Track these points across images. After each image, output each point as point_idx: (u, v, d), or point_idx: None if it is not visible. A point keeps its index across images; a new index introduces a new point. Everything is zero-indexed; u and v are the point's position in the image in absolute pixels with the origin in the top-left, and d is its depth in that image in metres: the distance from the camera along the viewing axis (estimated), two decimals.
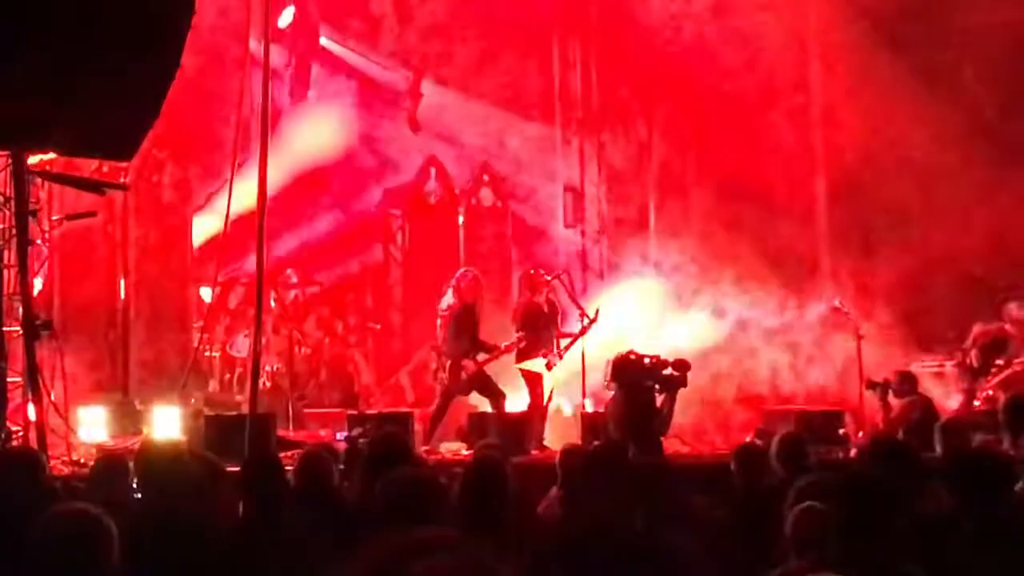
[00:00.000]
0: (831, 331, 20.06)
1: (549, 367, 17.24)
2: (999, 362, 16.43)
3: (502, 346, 17.30)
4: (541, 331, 17.42)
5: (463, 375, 16.95)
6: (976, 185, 19.63)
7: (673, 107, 22.25)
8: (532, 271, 18.07)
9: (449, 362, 17.00)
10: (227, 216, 15.29)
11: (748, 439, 15.04)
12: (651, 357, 13.96)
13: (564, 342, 17.56)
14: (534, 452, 15.77)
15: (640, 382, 13.40)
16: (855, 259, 20.58)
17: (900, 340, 19.64)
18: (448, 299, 17.18)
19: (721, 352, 20.34)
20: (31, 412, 13.28)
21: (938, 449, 10.48)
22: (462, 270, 17.84)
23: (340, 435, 15.50)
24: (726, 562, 6.82)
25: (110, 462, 9.19)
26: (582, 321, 17.70)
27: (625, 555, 7.02)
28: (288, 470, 9.03)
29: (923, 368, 19.06)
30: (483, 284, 17.71)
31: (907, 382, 16.17)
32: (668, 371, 13.64)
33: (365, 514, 7.56)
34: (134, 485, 8.80)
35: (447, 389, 17.03)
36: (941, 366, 18.78)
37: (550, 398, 17.53)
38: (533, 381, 17.23)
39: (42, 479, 7.91)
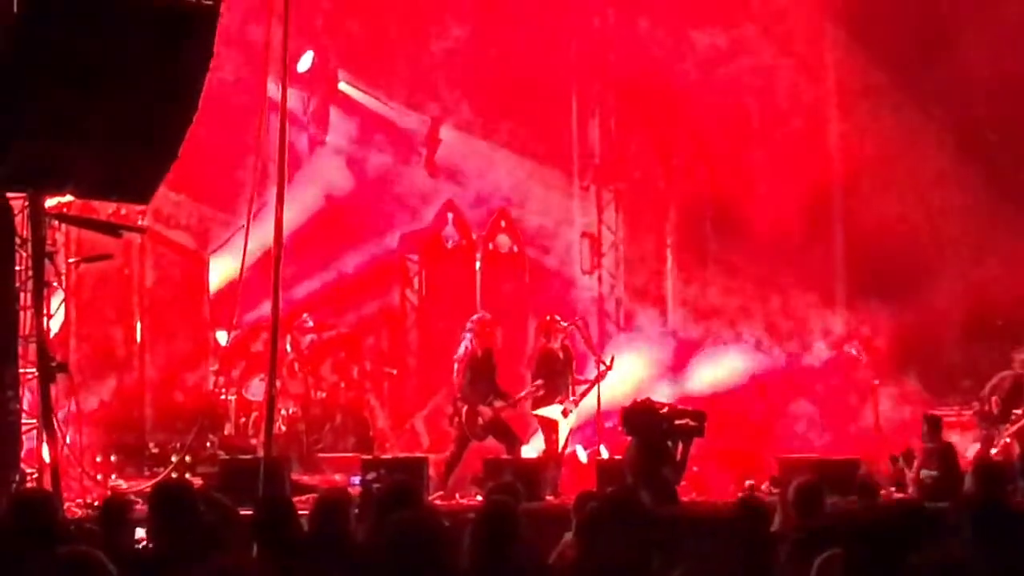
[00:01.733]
0: (846, 378, 20.02)
1: (565, 414, 17.22)
2: (1017, 411, 16.38)
3: (520, 395, 17.30)
4: (557, 378, 17.40)
5: (480, 421, 16.92)
6: (989, 235, 19.66)
7: (691, 154, 22.26)
8: (548, 317, 18.04)
9: (465, 408, 16.97)
10: (243, 260, 15.30)
11: (747, 486, 15.06)
12: (668, 405, 13.95)
13: (580, 388, 17.53)
14: (549, 498, 15.70)
15: (654, 430, 13.38)
16: (871, 307, 20.51)
17: (914, 388, 19.65)
18: (465, 344, 17.16)
19: (738, 399, 20.29)
20: (45, 454, 13.25)
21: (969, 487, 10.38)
22: (478, 315, 17.82)
23: (354, 480, 15.48)
24: None
25: (117, 506, 9.14)
26: (598, 368, 17.71)
27: None
28: (302, 514, 9.00)
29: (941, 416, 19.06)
30: (498, 329, 17.69)
31: (932, 427, 16.15)
32: (684, 420, 13.62)
33: (373, 559, 7.51)
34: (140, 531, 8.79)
35: (462, 435, 16.99)
36: (958, 415, 18.74)
37: (566, 444, 17.49)
38: (548, 428, 17.21)
39: (55, 521, 7.89)
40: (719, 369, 20.43)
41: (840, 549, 6.55)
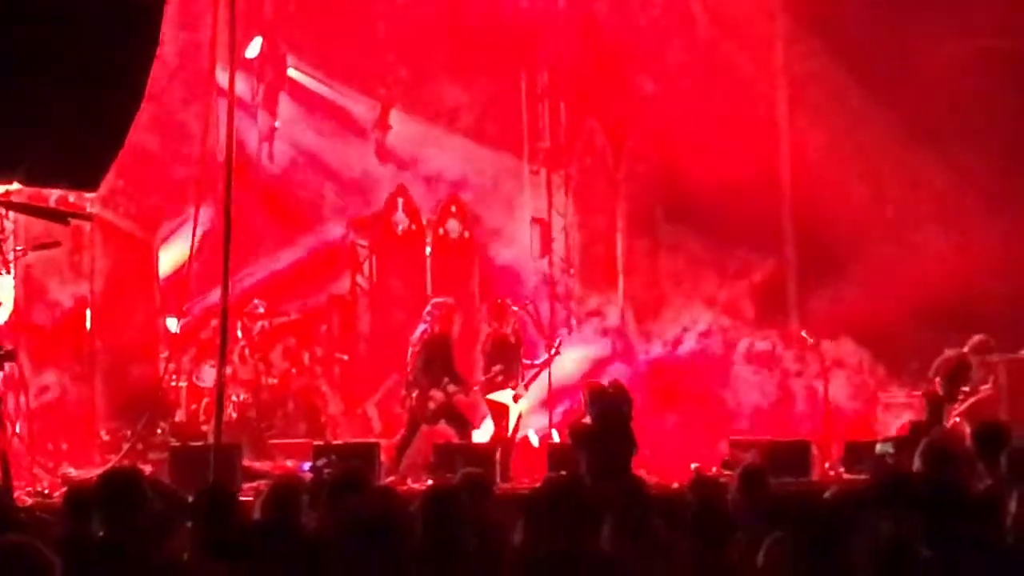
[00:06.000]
0: (798, 362, 20.18)
1: (515, 399, 17.27)
2: (965, 389, 16.47)
3: (480, 380, 17.34)
4: (509, 362, 17.45)
5: (430, 405, 16.94)
6: (942, 218, 19.79)
7: (641, 138, 22.31)
8: (499, 301, 18.08)
9: (416, 392, 16.99)
10: (192, 247, 15.28)
11: (693, 468, 15.19)
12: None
13: (529, 373, 17.60)
14: (501, 484, 15.73)
15: (615, 409, 13.48)
16: (822, 291, 20.62)
17: (868, 370, 19.79)
18: (423, 328, 17.18)
19: (688, 382, 20.43)
20: None
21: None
22: (439, 299, 17.83)
23: (305, 465, 15.48)
24: None
25: (79, 496, 9.08)
26: (548, 352, 17.79)
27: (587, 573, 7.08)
28: (250, 501, 9.01)
29: (891, 400, 19.23)
30: (457, 314, 17.70)
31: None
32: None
33: (325, 544, 7.54)
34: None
35: (413, 418, 17.01)
36: (908, 395, 18.88)
37: (516, 429, 17.53)
38: (499, 413, 17.24)
39: (1, 509, 7.86)
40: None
41: (784, 532, 6.60)
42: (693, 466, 15.66)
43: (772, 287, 21.44)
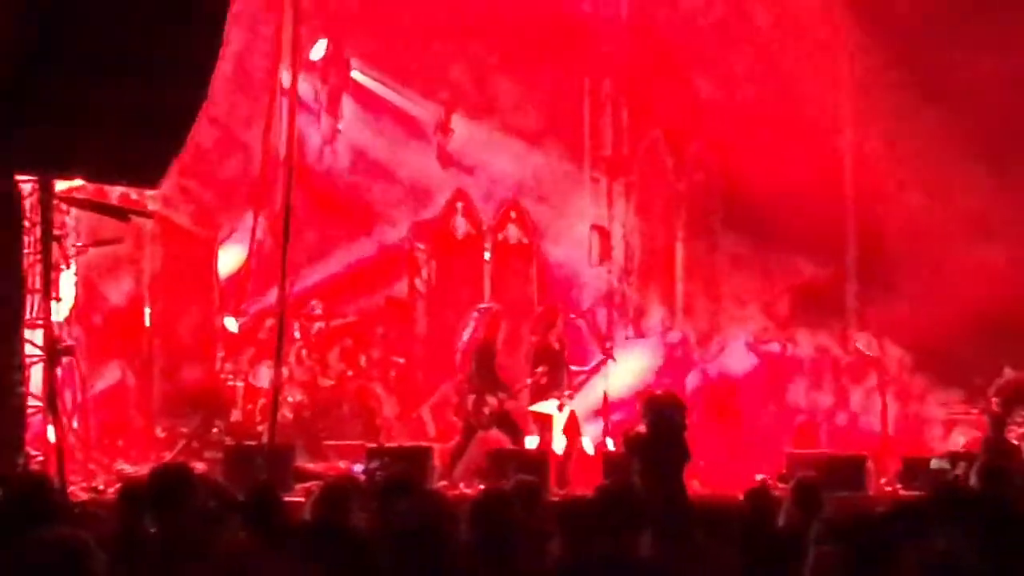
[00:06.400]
0: (857, 373, 20.04)
1: (560, 408, 17.17)
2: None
3: (522, 385, 17.27)
4: (553, 371, 17.39)
5: (486, 410, 16.91)
6: (1005, 230, 19.64)
7: (702, 147, 22.22)
8: (545, 309, 18.04)
9: (473, 397, 16.96)
10: (251, 246, 15.35)
11: (759, 480, 15.08)
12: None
13: (578, 380, 17.58)
14: (556, 491, 15.68)
15: (669, 418, 13.42)
16: (881, 301, 20.49)
17: (927, 384, 19.66)
18: (469, 332, 17.16)
19: (746, 392, 20.33)
20: (51, 437, 13.28)
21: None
22: (483, 305, 17.82)
23: (357, 467, 15.49)
24: None
25: (132, 492, 9.09)
26: (605, 363, 17.75)
27: None
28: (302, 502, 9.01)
29: (952, 415, 19.08)
30: (504, 323, 17.66)
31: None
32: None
33: (373, 546, 7.54)
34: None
35: (469, 424, 16.97)
36: (965, 413, 18.75)
37: (576, 436, 17.41)
38: (544, 423, 17.18)
39: (50, 503, 7.87)
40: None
41: (832, 546, 6.55)
42: (759, 477, 15.54)
43: (831, 296, 21.29)
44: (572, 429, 17.32)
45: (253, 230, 15.22)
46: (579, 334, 17.94)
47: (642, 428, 13.62)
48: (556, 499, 14.70)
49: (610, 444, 17.67)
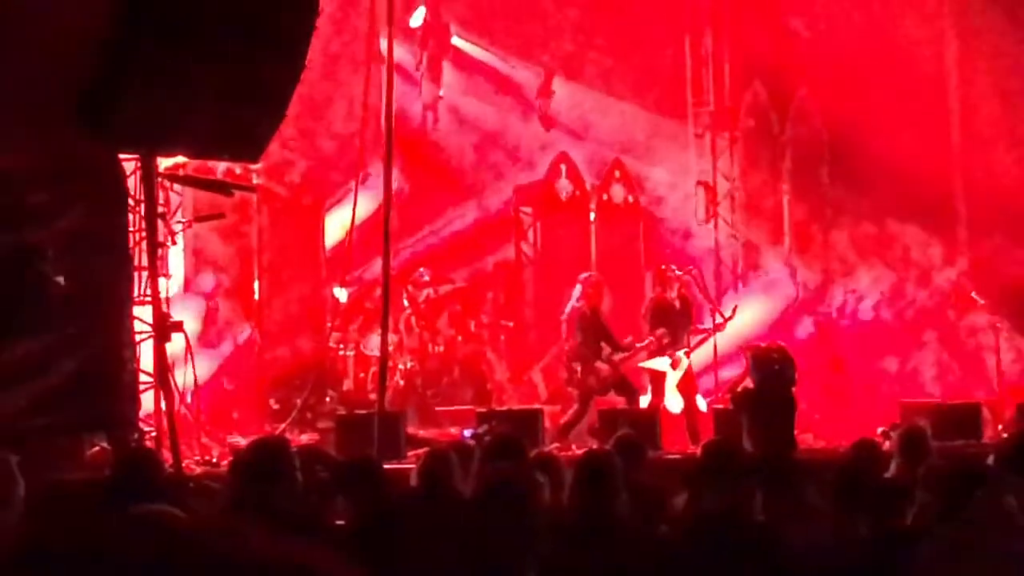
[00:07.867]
0: (968, 324, 19.85)
1: (674, 365, 17.09)
2: None
3: (641, 344, 17.18)
4: (674, 328, 17.30)
5: (594, 378, 16.84)
6: None
7: (806, 100, 22.04)
8: (663, 267, 17.95)
9: (581, 366, 16.91)
10: (353, 216, 15.40)
11: (880, 432, 14.95)
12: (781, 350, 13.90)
13: (696, 339, 17.50)
14: (666, 449, 15.65)
15: (778, 373, 13.33)
16: (992, 252, 20.24)
17: None
18: (572, 304, 17.12)
19: (859, 345, 20.20)
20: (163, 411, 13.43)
21: None
22: (586, 275, 17.75)
23: (467, 432, 15.52)
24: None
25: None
26: (714, 318, 17.65)
27: (740, 545, 7.00)
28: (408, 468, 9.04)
29: None
30: (605, 287, 17.60)
31: None
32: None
33: (473, 511, 7.56)
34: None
35: (584, 392, 16.92)
36: None
37: (693, 392, 17.31)
38: (657, 380, 17.11)
39: (157, 478, 7.97)
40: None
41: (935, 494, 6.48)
42: (880, 430, 15.39)
43: (940, 247, 21.06)
44: (688, 386, 17.24)
45: (354, 200, 15.21)
46: (690, 291, 17.81)
47: (749, 383, 13.56)
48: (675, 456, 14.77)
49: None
